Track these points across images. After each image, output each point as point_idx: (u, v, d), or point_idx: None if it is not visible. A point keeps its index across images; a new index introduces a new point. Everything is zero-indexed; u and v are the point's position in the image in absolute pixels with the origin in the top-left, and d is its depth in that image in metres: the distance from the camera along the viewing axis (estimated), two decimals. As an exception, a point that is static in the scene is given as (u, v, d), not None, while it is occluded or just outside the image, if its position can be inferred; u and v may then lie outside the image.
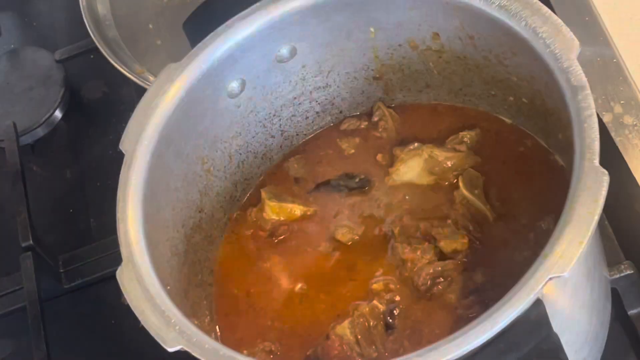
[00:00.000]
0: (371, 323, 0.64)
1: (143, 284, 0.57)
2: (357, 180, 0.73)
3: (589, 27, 0.80)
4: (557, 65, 0.57)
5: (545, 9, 0.59)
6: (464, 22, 0.65)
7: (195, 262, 0.70)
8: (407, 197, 0.71)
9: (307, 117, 0.77)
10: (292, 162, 0.77)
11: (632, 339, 0.72)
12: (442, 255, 0.66)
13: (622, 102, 0.76)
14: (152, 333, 0.55)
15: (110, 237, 0.85)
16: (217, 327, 0.69)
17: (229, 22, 0.67)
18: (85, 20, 0.95)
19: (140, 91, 0.76)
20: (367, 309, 0.65)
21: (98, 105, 1.02)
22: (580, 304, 0.60)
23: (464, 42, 0.67)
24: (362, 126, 0.76)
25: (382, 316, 0.64)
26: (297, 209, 0.73)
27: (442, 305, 0.64)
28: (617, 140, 0.74)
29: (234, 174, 0.75)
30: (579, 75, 0.56)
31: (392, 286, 0.66)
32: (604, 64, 0.78)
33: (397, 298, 0.65)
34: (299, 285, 0.69)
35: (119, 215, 0.61)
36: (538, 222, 0.64)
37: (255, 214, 0.74)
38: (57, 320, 0.86)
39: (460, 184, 0.69)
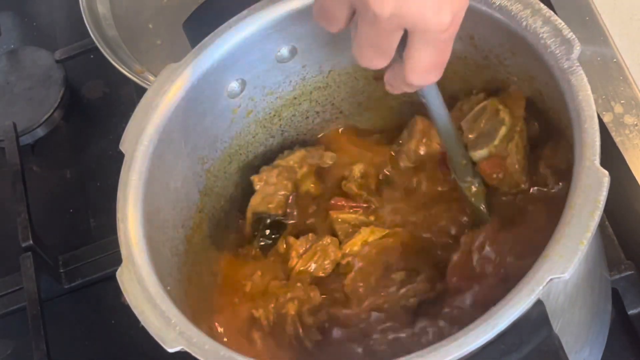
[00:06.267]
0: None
1: (143, 284, 0.57)
2: None
3: (589, 27, 0.80)
4: (557, 65, 0.57)
5: (545, 9, 0.59)
6: (464, 22, 0.64)
7: (195, 263, 0.70)
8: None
9: (307, 117, 0.77)
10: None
11: (632, 339, 0.72)
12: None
13: (622, 101, 0.76)
14: (152, 333, 0.55)
15: (110, 237, 0.85)
16: (215, 324, 0.69)
17: (229, 22, 0.67)
18: (85, 20, 0.95)
19: (140, 91, 0.77)
20: None
21: (98, 105, 1.02)
22: (580, 305, 0.60)
23: (465, 42, 0.67)
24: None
25: None
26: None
27: None
28: (617, 140, 0.75)
29: (234, 174, 0.75)
30: (579, 75, 0.56)
31: None
32: (604, 64, 0.78)
33: None
34: (297, 284, 0.69)
35: (119, 215, 0.61)
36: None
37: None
38: (57, 320, 0.86)
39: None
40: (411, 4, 0.50)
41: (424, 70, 0.55)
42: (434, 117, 0.63)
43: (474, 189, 0.66)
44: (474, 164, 0.66)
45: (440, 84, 0.59)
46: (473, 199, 0.66)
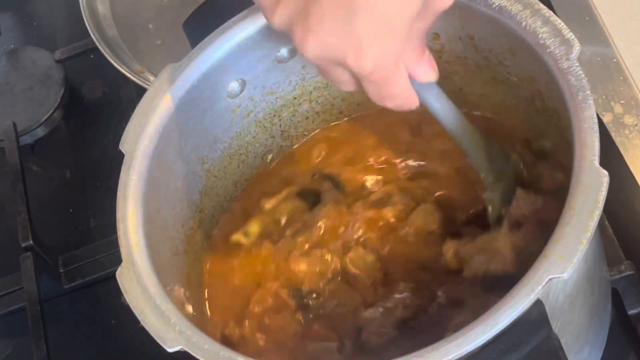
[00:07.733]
0: None
1: (143, 284, 0.57)
2: None
3: (589, 27, 0.80)
4: (557, 66, 0.57)
5: (545, 9, 0.59)
6: (464, 23, 0.65)
7: (195, 263, 0.70)
8: None
9: (307, 117, 0.77)
10: None
11: (632, 339, 0.72)
12: None
13: (622, 102, 0.76)
14: (152, 333, 0.55)
15: (110, 237, 0.85)
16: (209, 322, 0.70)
17: (229, 22, 0.67)
18: (85, 20, 0.96)
19: (140, 91, 0.77)
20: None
21: (98, 105, 1.02)
22: (580, 305, 0.60)
23: (464, 43, 0.67)
24: None
25: None
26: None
27: None
28: (617, 140, 0.75)
29: (234, 174, 0.75)
30: (579, 75, 0.56)
31: None
32: (604, 64, 0.78)
33: None
34: (293, 288, 0.69)
35: (118, 215, 0.61)
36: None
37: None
38: (57, 320, 0.86)
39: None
40: (333, 46, 0.51)
41: (376, 99, 0.55)
42: (443, 124, 0.62)
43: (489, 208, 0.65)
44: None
45: (441, 83, 0.59)
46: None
